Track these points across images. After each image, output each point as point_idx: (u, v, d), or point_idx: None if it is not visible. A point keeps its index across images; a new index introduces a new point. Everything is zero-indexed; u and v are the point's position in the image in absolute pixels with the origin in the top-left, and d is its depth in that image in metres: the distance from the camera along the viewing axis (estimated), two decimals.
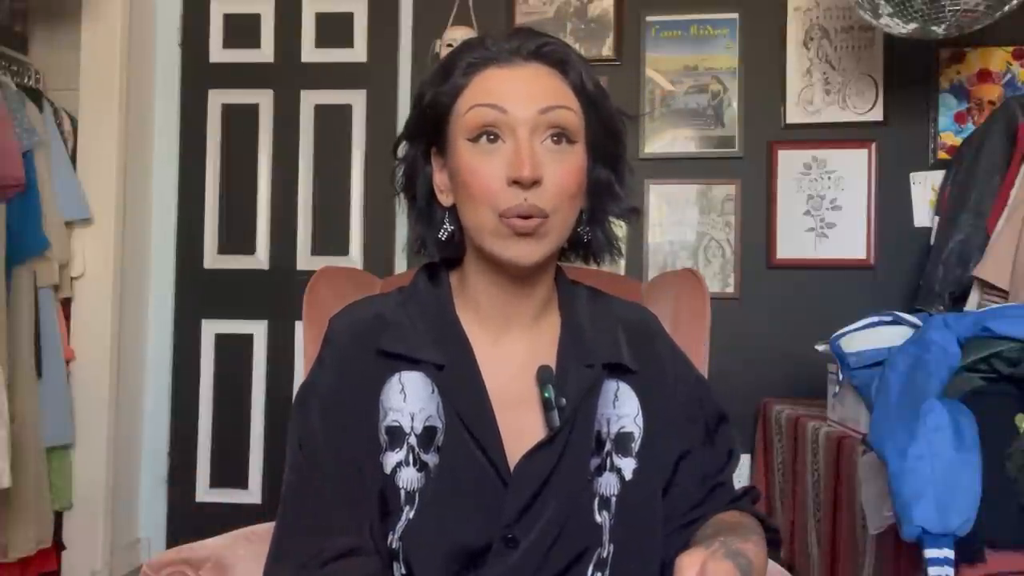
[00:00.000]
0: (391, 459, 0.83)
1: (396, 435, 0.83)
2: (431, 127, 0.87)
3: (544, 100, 0.82)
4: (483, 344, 0.88)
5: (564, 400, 0.84)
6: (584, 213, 0.88)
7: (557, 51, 0.85)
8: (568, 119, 0.83)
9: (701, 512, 0.89)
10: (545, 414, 0.84)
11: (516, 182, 0.79)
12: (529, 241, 0.81)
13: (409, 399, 0.84)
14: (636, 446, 0.87)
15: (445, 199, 0.88)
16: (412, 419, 0.84)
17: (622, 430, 0.87)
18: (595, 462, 0.85)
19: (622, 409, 0.88)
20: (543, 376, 0.85)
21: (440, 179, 0.88)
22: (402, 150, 0.92)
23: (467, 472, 0.82)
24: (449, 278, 0.92)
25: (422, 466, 0.83)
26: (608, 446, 0.86)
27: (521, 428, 0.84)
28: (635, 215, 0.92)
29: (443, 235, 0.88)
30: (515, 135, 0.81)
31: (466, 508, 0.81)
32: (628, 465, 0.86)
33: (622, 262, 2.78)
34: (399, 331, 0.87)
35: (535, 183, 0.80)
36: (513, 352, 0.88)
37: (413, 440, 0.83)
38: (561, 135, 0.82)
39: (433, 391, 0.84)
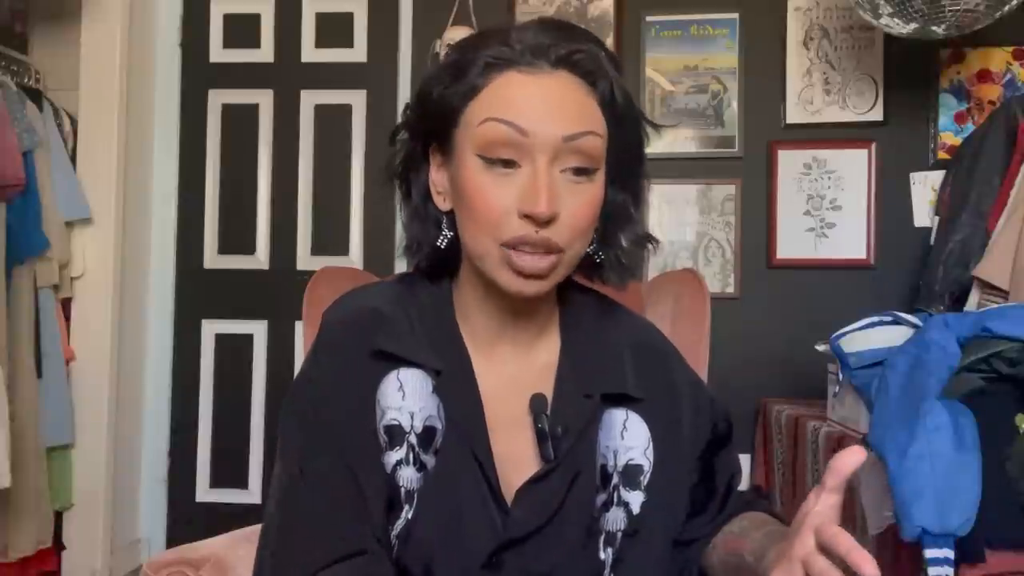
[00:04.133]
0: (391, 458, 0.80)
1: (396, 434, 0.80)
2: (436, 126, 0.80)
3: (569, 125, 0.74)
4: (478, 356, 0.83)
5: (560, 429, 0.79)
6: (596, 233, 0.81)
7: (589, 59, 0.76)
8: (593, 146, 0.75)
9: (721, 519, 0.87)
10: (539, 445, 0.80)
11: (528, 216, 0.73)
12: (535, 281, 0.76)
13: (408, 397, 0.80)
14: (645, 479, 0.83)
15: (442, 203, 0.82)
16: (412, 418, 0.80)
17: (630, 462, 0.83)
18: (602, 498, 0.81)
19: (631, 440, 0.83)
20: (536, 406, 0.81)
21: (438, 179, 0.82)
22: (400, 138, 0.87)
23: (463, 482, 0.79)
24: (450, 281, 0.87)
25: (421, 466, 0.80)
26: (615, 479, 0.82)
27: (512, 450, 0.81)
28: (652, 243, 0.85)
29: (442, 243, 0.82)
30: (533, 161, 0.74)
31: (462, 518, 0.78)
32: (636, 499, 0.82)
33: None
34: (396, 329, 0.82)
35: (550, 220, 0.73)
36: (507, 369, 0.84)
37: (413, 439, 0.79)
38: (581, 170, 0.75)
39: (433, 390, 0.81)
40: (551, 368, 0.84)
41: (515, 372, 0.84)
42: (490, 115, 0.74)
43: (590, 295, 0.90)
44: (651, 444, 0.84)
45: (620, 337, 0.88)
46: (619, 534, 0.81)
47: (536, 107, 0.74)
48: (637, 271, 0.86)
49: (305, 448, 0.81)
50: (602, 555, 0.81)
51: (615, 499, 0.82)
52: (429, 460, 0.80)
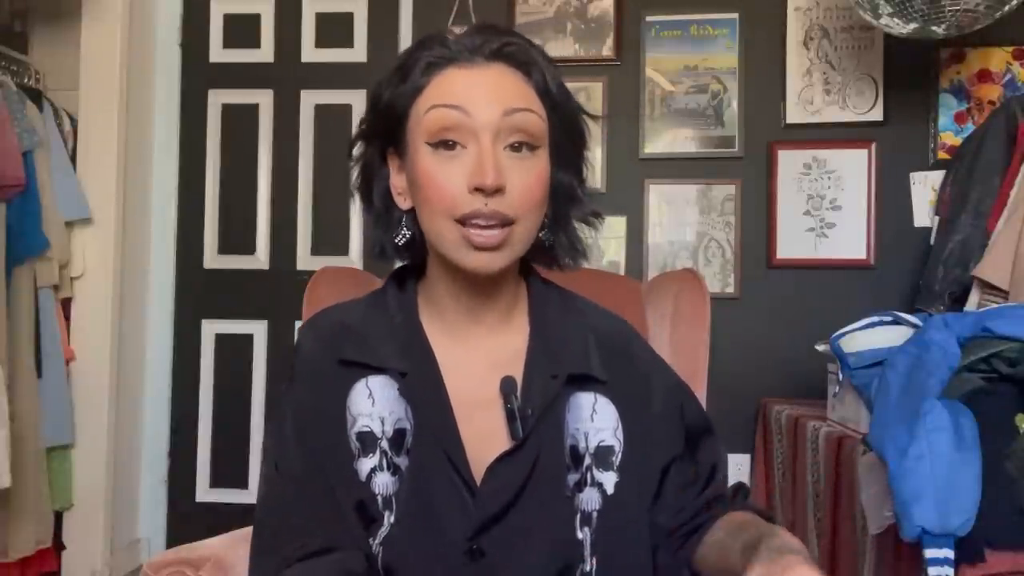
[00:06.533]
0: (365, 465, 0.82)
1: (368, 440, 0.83)
2: (389, 129, 0.84)
3: (508, 102, 0.79)
4: (448, 348, 0.87)
5: (529, 410, 0.82)
6: (546, 218, 0.86)
7: (520, 51, 0.82)
8: (532, 123, 0.80)
9: (704, 518, 0.87)
10: (509, 425, 0.82)
11: (478, 189, 0.77)
12: (492, 253, 0.79)
13: (377, 403, 0.84)
14: (617, 460, 0.85)
15: (403, 202, 0.86)
16: (382, 423, 0.83)
17: (601, 444, 0.85)
18: (574, 478, 0.84)
19: (600, 423, 0.86)
20: (506, 388, 0.84)
21: (397, 182, 0.86)
22: (357, 150, 0.90)
23: (436, 476, 0.81)
24: (416, 283, 0.91)
25: (395, 470, 0.82)
26: (587, 461, 0.85)
27: (486, 433, 0.83)
28: (598, 219, 0.90)
29: (400, 240, 0.87)
30: (477, 140, 0.78)
31: (439, 513, 0.80)
32: (610, 479, 0.85)
33: (616, 261, 2.78)
34: (363, 339, 0.86)
35: (498, 191, 0.77)
36: (479, 355, 0.87)
37: (385, 444, 0.83)
38: (522, 144, 0.80)
39: (400, 393, 0.84)
40: (521, 352, 0.87)
41: (488, 357, 0.87)
42: (434, 103, 0.80)
43: (554, 288, 0.94)
44: (620, 425, 0.87)
45: (583, 323, 0.92)
46: (594, 514, 0.83)
47: (476, 91, 0.79)
48: (587, 253, 0.91)
49: (281, 452, 0.86)
50: (579, 535, 0.82)
51: (588, 479, 0.84)
52: (402, 462, 0.82)
